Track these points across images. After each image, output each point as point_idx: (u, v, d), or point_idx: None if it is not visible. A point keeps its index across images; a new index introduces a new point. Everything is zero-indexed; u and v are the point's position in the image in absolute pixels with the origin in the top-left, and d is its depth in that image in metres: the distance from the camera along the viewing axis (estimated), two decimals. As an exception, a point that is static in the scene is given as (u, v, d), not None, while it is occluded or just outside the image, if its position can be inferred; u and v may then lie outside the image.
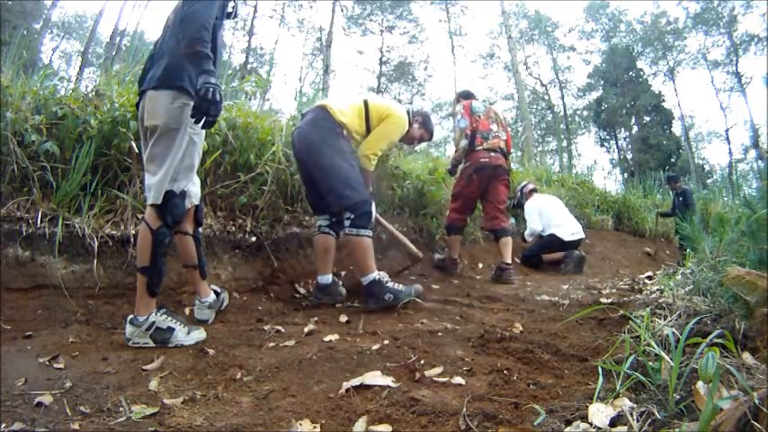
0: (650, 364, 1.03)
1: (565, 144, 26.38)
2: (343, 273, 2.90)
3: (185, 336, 1.60)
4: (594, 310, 1.77)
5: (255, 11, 21.35)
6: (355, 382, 1.16)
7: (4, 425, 0.95)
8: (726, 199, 8.33)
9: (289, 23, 23.47)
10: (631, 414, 0.85)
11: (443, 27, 25.00)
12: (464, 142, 3.51)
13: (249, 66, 20.58)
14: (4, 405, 1.04)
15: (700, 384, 0.85)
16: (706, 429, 0.71)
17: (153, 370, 1.34)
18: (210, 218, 2.50)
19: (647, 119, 23.75)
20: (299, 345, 1.57)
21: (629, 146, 24.93)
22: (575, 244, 4.26)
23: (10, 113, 2.06)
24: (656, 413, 0.84)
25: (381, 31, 24.65)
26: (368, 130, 2.45)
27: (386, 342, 1.54)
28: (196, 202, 1.91)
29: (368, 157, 2.43)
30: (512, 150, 3.96)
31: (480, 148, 3.49)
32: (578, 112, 27.93)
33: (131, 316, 1.58)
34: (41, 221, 1.98)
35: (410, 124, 2.60)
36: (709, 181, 19.36)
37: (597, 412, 0.88)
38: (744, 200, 1.63)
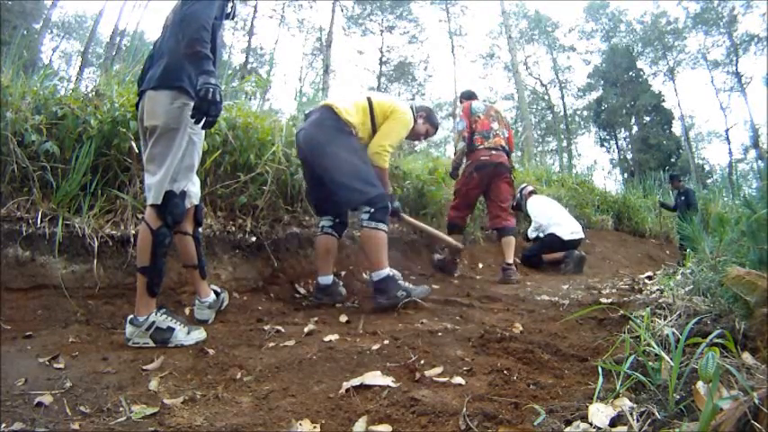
0: (650, 364, 1.03)
1: (565, 144, 26.37)
2: (343, 273, 2.90)
3: (185, 336, 1.60)
4: (594, 310, 1.77)
5: (255, 11, 21.37)
6: (355, 382, 1.16)
7: (4, 425, 0.95)
8: (726, 199, 8.33)
9: (289, 23, 23.49)
10: (631, 414, 0.85)
11: (443, 27, 25.00)
12: (461, 144, 3.53)
13: (249, 66, 20.58)
14: (4, 405, 1.04)
15: (700, 384, 0.85)
16: (706, 429, 0.71)
17: (153, 370, 1.34)
18: (210, 218, 2.50)
19: (647, 119, 23.74)
20: (299, 345, 1.57)
21: (629, 146, 24.93)
22: (574, 243, 4.26)
23: (10, 113, 2.07)
24: (656, 413, 0.84)
25: (381, 31, 24.65)
26: (373, 128, 2.41)
27: (386, 342, 1.54)
28: (196, 202, 1.91)
29: (380, 155, 2.37)
30: (514, 150, 3.96)
31: (481, 147, 3.49)
32: (578, 112, 27.93)
33: (131, 316, 1.58)
34: (41, 221, 1.98)
35: (414, 120, 2.58)
36: (709, 181, 19.35)
37: (597, 412, 0.88)
38: (744, 200, 1.63)
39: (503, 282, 3.32)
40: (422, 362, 1.33)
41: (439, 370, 1.27)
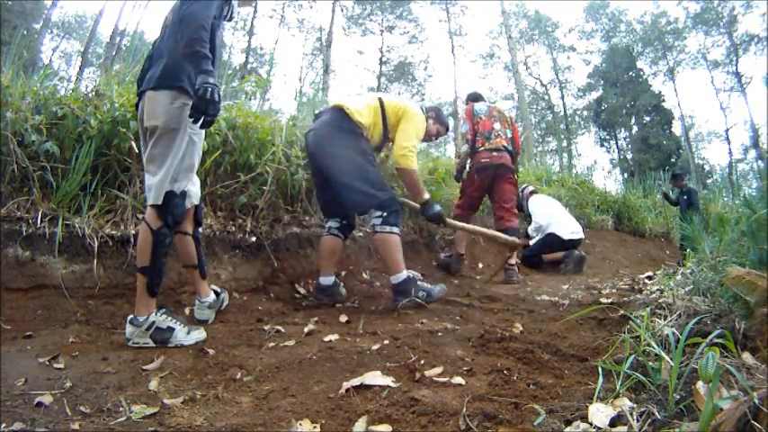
0: (650, 364, 1.03)
1: (565, 144, 26.36)
2: (343, 273, 2.90)
3: (185, 336, 1.60)
4: (594, 310, 1.77)
5: (255, 11, 21.33)
6: (355, 382, 1.16)
7: (4, 425, 0.95)
8: (726, 199, 8.31)
9: (289, 23, 23.49)
10: (631, 414, 0.85)
11: (443, 27, 24.99)
12: (465, 147, 3.53)
13: (249, 66, 20.58)
14: (4, 405, 1.04)
15: (700, 384, 0.85)
16: (706, 429, 0.71)
17: (153, 370, 1.34)
18: (210, 218, 2.49)
19: (647, 119, 23.74)
20: (299, 345, 1.57)
21: (629, 146, 24.93)
22: (574, 243, 4.26)
23: (10, 113, 2.06)
24: (656, 413, 0.84)
25: (381, 31, 24.64)
26: (384, 129, 2.39)
27: (386, 342, 1.54)
28: (196, 202, 1.91)
29: (406, 156, 2.32)
30: (520, 149, 3.93)
31: (482, 148, 3.49)
32: (578, 112, 27.93)
33: (131, 316, 1.58)
34: (41, 221, 1.98)
35: (425, 120, 2.55)
36: (709, 181, 19.35)
37: (597, 412, 0.88)
38: (744, 200, 1.63)
39: (504, 282, 3.32)
40: (422, 362, 1.34)
41: (439, 370, 1.27)
